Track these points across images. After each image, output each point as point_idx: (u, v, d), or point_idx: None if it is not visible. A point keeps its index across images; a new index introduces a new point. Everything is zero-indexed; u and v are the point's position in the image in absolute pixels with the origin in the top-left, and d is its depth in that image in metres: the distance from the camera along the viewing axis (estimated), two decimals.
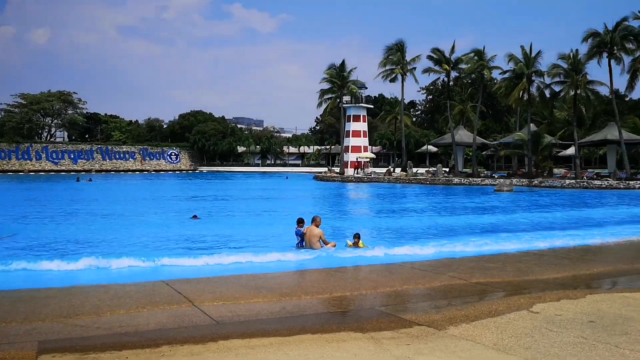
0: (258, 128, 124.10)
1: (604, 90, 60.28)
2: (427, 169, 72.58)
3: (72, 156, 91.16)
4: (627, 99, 76.15)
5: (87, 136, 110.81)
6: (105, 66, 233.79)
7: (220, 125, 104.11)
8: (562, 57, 52.56)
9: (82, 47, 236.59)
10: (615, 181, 47.96)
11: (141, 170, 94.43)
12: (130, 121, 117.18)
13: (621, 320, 7.49)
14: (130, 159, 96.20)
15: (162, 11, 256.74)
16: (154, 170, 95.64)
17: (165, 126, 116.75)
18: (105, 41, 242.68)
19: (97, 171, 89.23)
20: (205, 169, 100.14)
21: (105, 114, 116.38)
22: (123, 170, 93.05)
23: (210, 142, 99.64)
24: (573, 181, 49.47)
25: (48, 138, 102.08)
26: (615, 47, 48.75)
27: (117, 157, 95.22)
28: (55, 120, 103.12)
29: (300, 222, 14.59)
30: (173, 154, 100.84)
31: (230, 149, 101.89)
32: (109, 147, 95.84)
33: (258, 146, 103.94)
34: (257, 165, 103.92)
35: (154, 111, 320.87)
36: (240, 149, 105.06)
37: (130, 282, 10.33)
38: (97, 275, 10.88)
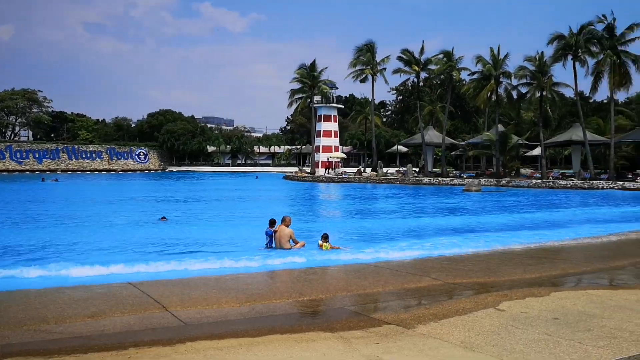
0: (228, 128, 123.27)
1: (569, 92, 61.89)
2: (397, 169, 73.24)
3: (37, 156, 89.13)
4: (591, 100, 77.99)
5: (52, 135, 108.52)
6: (71, 64, 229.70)
7: (189, 124, 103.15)
8: (529, 59, 53.71)
9: (48, 45, 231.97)
10: (579, 181, 49.18)
11: (108, 170, 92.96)
12: (98, 120, 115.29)
13: (584, 317, 7.67)
14: (97, 159, 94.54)
15: (131, 9, 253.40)
16: (121, 170, 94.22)
17: (133, 125, 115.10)
18: (72, 39, 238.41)
19: (62, 171, 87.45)
20: (174, 168, 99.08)
21: (72, 113, 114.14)
22: (89, 170, 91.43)
23: (179, 141, 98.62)
24: (539, 181, 50.58)
25: (12, 137, 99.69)
26: (579, 50, 49.95)
27: (84, 156, 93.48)
28: (20, 119, 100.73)
29: (272, 222, 14.58)
30: (141, 153, 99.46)
31: (200, 149, 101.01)
32: (76, 147, 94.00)
33: (228, 146, 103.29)
34: (227, 165, 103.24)
35: (122, 110, 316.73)
36: (210, 148, 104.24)
37: (96, 284, 10.15)
38: (62, 278, 10.66)
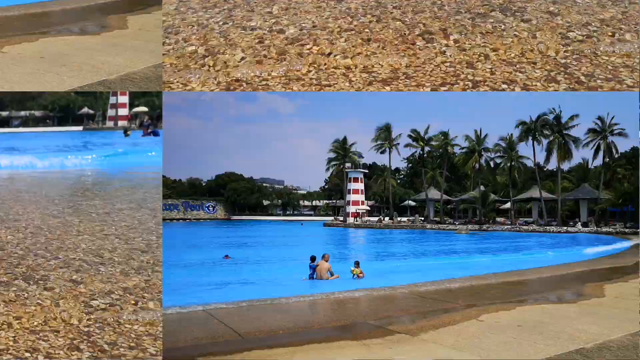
0: (280, 186, 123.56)
1: (530, 163, 64.07)
2: (408, 217, 73.39)
3: None
4: (545, 169, 78.44)
5: None
6: None
7: (249, 183, 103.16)
8: (502, 139, 57.35)
9: None
10: (537, 226, 52.17)
11: (184, 219, 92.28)
12: (175, 180, 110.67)
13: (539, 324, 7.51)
14: (174, 210, 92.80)
15: (203, 93, 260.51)
16: (194, 219, 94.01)
17: (204, 184, 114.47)
18: None
19: None
20: (237, 217, 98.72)
21: None
22: (169, 219, 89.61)
23: (241, 197, 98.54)
24: (509, 226, 52.98)
25: None
26: (537, 133, 53.26)
27: (164, 209, 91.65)
28: None
29: (312, 259, 14.77)
30: (210, 206, 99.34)
31: (257, 203, 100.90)
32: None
33: (280, 200, 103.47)
34: (279, 215, 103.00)
35: (195, 172, 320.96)
36: (266, 202, 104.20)
37: (169, 311, 9.64)
38: None
